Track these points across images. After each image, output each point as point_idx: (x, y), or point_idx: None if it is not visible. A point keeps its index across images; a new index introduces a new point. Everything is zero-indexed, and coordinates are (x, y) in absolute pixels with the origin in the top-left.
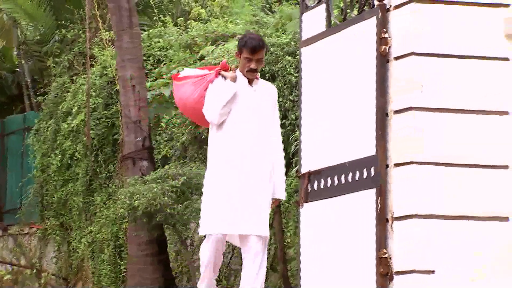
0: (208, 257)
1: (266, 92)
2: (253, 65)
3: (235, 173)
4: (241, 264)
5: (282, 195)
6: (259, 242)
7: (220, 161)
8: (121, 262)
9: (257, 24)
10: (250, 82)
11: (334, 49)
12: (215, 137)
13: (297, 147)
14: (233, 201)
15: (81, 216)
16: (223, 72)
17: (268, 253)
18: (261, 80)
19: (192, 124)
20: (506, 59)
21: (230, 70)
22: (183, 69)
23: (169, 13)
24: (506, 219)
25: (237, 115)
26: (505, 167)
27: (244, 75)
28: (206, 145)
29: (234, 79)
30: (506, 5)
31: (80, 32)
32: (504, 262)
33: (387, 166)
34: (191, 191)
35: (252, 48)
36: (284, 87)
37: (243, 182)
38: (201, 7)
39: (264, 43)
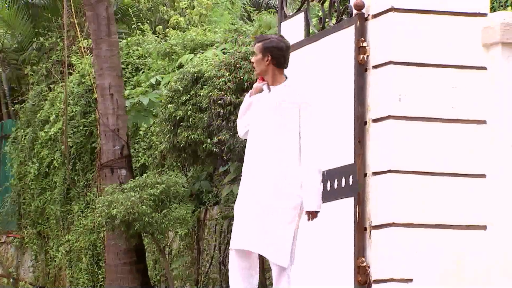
0: (229, 272)
1: (285, 94)
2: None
3: (246, 187)
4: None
5: (308, 207)
6: (271, 264)
7: (243, 174)
8: (99, 271)
9: (236, 32)
10: (269, 86)
11: (312, 58)
12: None
13: None
14: (243, 216)
15: (59, 225)
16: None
17: None
18: (287, 82)
19: (170, 132)
20: (484, 68)
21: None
22: (162, 78)
23: (148, 22)
24: (484, 227)
25: (253, 125)
26: (483, 176)
27: None
28: (185, 153)
29: (254, 89)
30: (484, 15)
31: (58, 40)
32: (482, 271)
33: (365, 174)
34: (169, 199)
35: None
36: None
37: (250, 196)
38: (180, 16)
39: (258, 40)
